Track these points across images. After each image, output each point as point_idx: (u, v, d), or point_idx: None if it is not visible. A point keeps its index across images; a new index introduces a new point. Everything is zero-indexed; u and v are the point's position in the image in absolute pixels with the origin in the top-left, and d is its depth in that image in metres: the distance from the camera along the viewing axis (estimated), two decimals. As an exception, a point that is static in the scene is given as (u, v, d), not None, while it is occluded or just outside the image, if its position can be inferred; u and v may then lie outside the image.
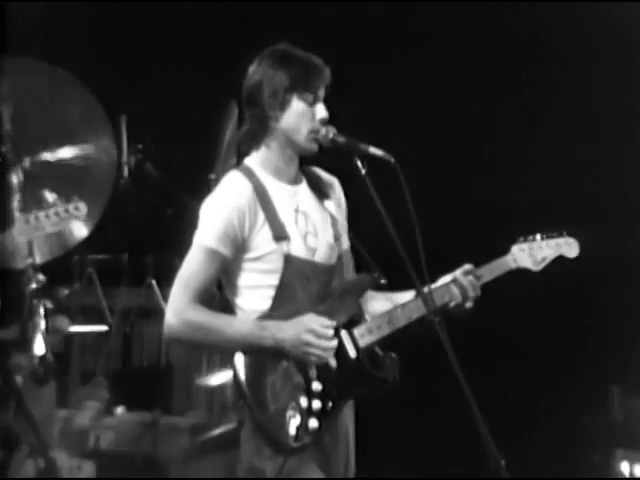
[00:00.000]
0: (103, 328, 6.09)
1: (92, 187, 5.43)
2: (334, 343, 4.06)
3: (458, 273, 4.20)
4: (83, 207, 4.39)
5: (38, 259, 5.40)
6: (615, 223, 6.24)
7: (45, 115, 5.59)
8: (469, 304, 4.17)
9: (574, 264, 4.41)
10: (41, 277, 5.28)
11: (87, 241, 5.75)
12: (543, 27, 6.41)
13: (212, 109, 5.60)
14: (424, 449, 6.39)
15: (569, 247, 4.29)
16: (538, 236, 4.30)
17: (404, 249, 3.86)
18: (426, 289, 4.08)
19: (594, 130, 6.41)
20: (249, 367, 4.07)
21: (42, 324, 5.32)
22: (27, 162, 5.47)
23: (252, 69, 4.05)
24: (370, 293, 4.25)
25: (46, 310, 5.34)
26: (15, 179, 5.40)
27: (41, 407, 5.37)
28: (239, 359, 4.08)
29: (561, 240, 4.29)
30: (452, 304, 4.17)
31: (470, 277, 4.19)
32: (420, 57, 6.47)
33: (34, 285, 5.25)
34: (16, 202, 5.16)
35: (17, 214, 5.05)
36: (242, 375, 4.05)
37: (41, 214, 4.27)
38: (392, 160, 3.93)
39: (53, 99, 5.61)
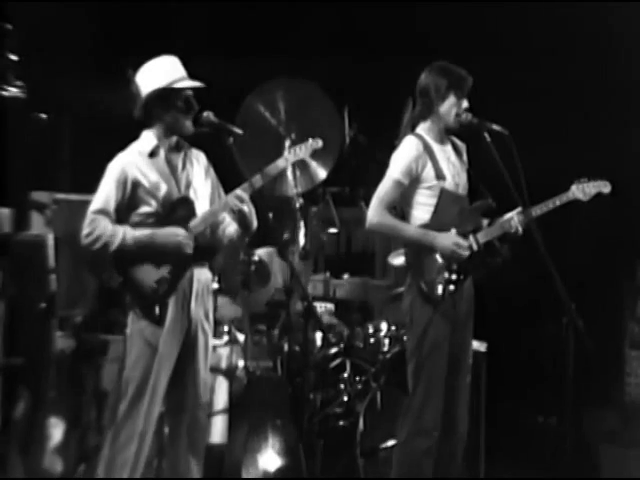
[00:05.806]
0: (335, 230, 7.15)
1: (329, 149, 6.05)
2: (467, 252, 4.84)
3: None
4: (320, 142, 4.74)
5: (299, 189, 6.50)
6: None
7: (303, 109, 6.61)
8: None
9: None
10: (301, 200, 6.41)
11: (326, 180, 6.86)
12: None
13: (395, 106, 6.09)
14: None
15: (606, 187, 4.97)
16: (588, 180, 4.91)
17: (514, 188, 4.65)
18: (521, 210, 4.90)
19: None
20: (417, 254, 4.98)
21: (303, 228, 6.54)
22: (292, 137, 6.50)
23: (424, 75, 5.00)
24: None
25: (305, 220, 6.52)
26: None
27: (304, 273, 6.70)
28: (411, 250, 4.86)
29: (602, 183, 4.96)
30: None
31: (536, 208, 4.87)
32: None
33: (298, 205, 6.40)
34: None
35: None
36: (412, 258, 4.96)
37: (296, 147, 4.68)
38: (507, 133, 4.77)
39: (307, 99, 6.68)
